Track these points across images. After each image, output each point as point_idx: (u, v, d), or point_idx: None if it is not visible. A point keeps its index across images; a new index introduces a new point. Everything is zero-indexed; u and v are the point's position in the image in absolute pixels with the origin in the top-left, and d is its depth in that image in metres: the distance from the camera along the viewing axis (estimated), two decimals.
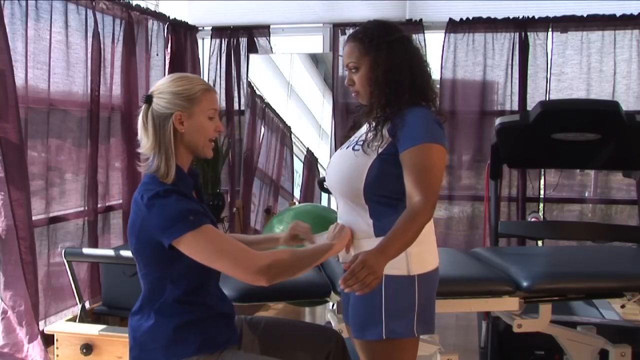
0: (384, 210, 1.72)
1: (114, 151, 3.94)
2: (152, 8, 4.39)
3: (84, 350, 2.97)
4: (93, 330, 3.03)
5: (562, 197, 4.38)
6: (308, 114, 4.97)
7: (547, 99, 4.23)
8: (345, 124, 4.36)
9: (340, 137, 4.17)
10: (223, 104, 4.70)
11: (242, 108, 4.79)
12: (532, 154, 3.24)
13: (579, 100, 3.94)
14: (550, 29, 4.22)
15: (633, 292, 3.56)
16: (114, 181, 3.97)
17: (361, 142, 1.76)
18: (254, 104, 4.88)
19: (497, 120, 3.15)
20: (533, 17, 4.20)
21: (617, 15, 4.07)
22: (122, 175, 3.98)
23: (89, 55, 3.64)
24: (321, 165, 4.88)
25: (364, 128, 1.82)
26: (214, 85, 4.64)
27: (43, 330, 3.17)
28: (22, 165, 3.06)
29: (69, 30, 3.49)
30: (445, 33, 4.33)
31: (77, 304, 3.20)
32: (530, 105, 4.08)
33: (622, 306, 3.83)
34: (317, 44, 4.69)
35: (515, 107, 4.27)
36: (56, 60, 3.42)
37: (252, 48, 4.73)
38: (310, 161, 4.95)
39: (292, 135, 4.96)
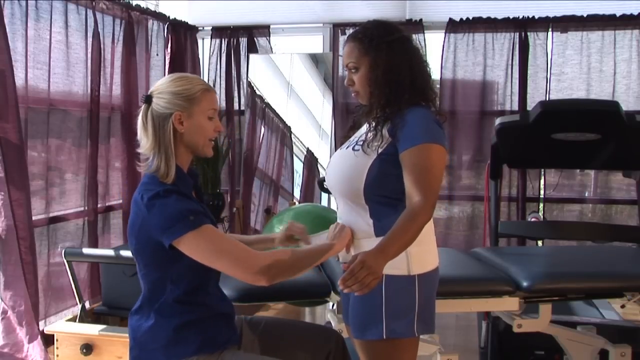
0: (384, 210, 1.72)
1: (114, 151, 3.94)
2: (152, 8, 4.39)
3: (84, 350, 2.97)
4: (93, 330, 3.03)
5: (562, 197, 4.38)
6: (308, 114, 4.97)
7: (547, 99, 4.23)
8: (345, 124, 4.36)
9: (340, 137, 4.17)
10: (223, 104, 4.70)
11: (242, 108, 4.79)
12: (532, 154, 3.25)
13: (579, 100, 3.94)
14: (550, 29, 4.22)
15: (633, 292, 3.56)
16: (114, 181, 3.97)
17: (361, 142, 1.75)
18: (254, 104, 4.88)
19: (497, 120, 3.15)
20: (533, 17, 4.20)
21: (617, 15, 4.07)
22: (122, 175, 3.98)
23: (89, 55, 3.64)
24: (321, 165, 4.88)
25: (364, 128, 1.82)
26: (214, 85, 4.64)
27: (43, 330, 3.17)
28: (22, 165, 3.06)
29: (69, 30, 3.49)
30: (445, 33, 4.33)
31: (77, 304, 3.20)
32: (530, 105, 4.08)
33: (622, 306, 3.83)
34: (317, 44, 4.69)
35: (515, 107, 4.27)
36: (56, 60, 3.42)
37: (252, 48, 4.73)
38: (310, 161, 4.95)
39: (292, 135, 4.96)
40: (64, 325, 3.14)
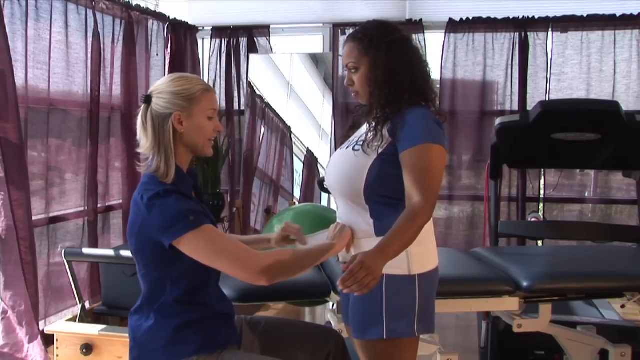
0: (384, 210, 1.72)
1: (114, 151, 3.94)
2: (152, 8, 4.39)
3: (84, 350, 2.97)
4: (93, 330, 3.03)
5: (562, 197, 4.38)
6: (308, 114, 4.97)
7: (547, 99, 4.23)
8: (345, 124, 4.36)
9: (340, 137, 4.17)
10: (223, 104, 4.70)
11: (242, 108, 4.79)
12: (532, 154, 3.25)
13: (579, 100, 3.94)
14: (550, 29, 4.22)
15: (633, 292, 3.56)
16: (114, 181, 3.97)
17: (361, 142, 1.75)
18: (254, 104, 4.88)
19: (497, 120, 3.15)
20: (533, 17, 4.20)
21: (617, 15, 4.07)
22: (122, 175, 3.98)
23: (89, 55, 3.64)
24: (321, 165, 4.88)
25: (364, 128, 1.82)
26: (214, 85, 4.64)
27: (43, 330, 3.17)
28: (22, 165, 3.06)
29: (69, 30, 3.49)
30: (445, 33, 4.33)
31: (77, 304, 3.20)
32: (530, 105, 4.08)
33: (622, 306, 3.83)
34: (317, 44, 4.69)
35: (515, 107, 4.27)
36: (56, 60, 3.42)
37: (252, 48, 4.73)
38: (310, 161, 4.95)
39: (292, 135, 4.96)
40: (64, 325, 3.14)
